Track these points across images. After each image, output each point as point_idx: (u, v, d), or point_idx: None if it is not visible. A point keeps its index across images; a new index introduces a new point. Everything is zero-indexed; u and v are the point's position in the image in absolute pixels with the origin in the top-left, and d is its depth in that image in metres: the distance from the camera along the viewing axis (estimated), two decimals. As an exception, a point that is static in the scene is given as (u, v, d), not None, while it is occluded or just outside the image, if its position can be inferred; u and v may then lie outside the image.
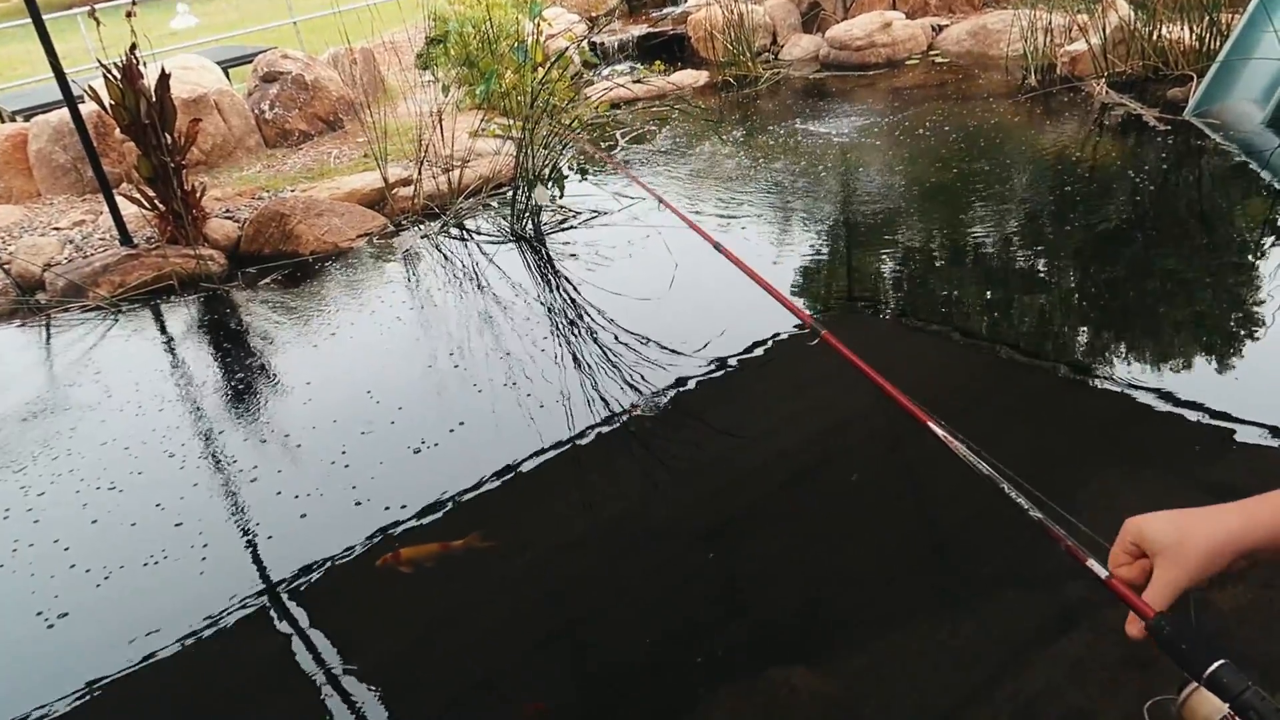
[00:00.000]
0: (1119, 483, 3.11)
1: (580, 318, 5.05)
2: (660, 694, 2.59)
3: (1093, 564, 1.04)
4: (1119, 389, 3.64)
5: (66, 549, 3.64)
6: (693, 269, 5.24)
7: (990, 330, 4.39)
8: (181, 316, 5.84)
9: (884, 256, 5.33)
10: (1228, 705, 0.90)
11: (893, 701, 2.41)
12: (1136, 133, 6.74)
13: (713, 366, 4.23)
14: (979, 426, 1.61)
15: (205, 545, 3.53)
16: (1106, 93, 7.51)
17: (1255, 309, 4.21)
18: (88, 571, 3.48)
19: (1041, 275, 4.88)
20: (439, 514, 3.50)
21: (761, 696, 2.47)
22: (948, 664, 2.49)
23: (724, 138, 8.09)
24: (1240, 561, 0.99)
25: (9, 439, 4.58)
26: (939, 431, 1.23)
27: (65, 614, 3.27)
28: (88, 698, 2.91)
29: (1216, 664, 0.92)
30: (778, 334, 4.46)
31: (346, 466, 3.88)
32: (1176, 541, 0.99)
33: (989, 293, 4.76)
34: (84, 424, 4.62)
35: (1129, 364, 3.88)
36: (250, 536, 3.58)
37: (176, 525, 3.68)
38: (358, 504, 3.62)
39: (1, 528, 3.85)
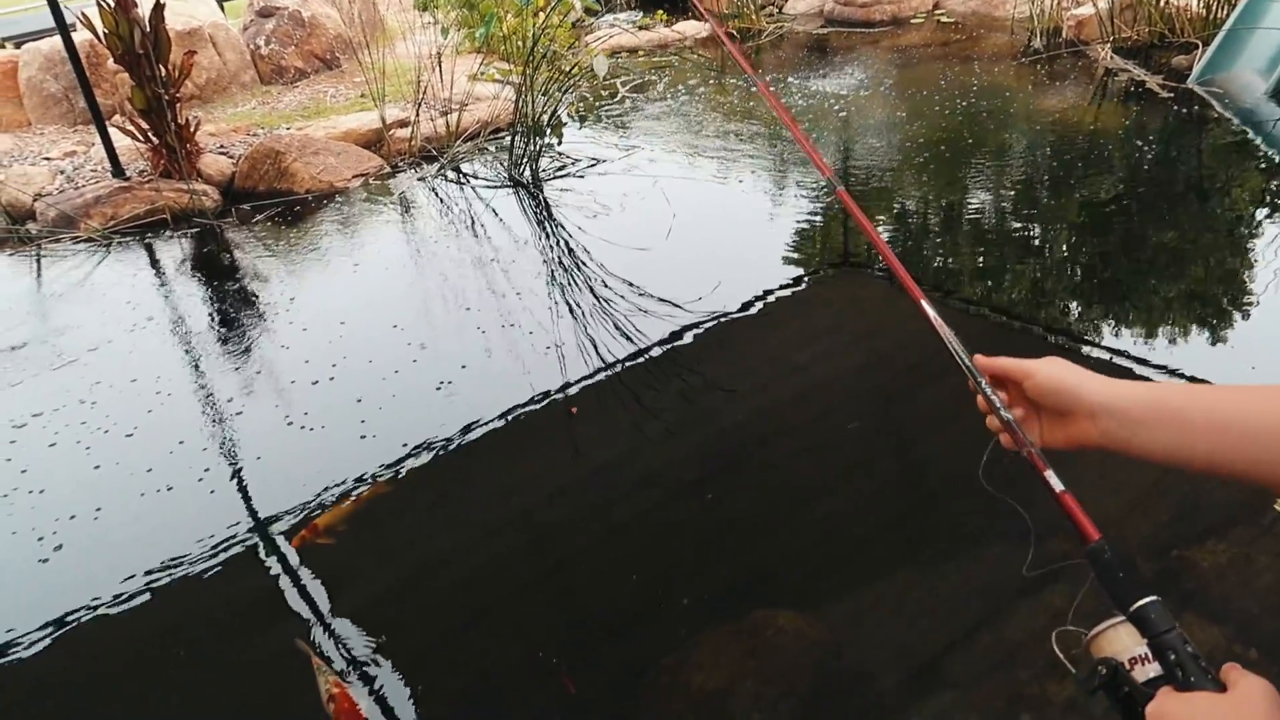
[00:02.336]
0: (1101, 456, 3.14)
1: (576, 266, 5.04)
2: (646, 634, 2.64)
3: (1050, 476, 1.05)
4: (1106, 356, 3.68)
5: (59, 481, 3.65)
6: (690, 220, 5.23)
7: (982, 296, 4.41)
8: (174, 251, 5.80)
9: (878, 220, 5.32)
10: (1146, 642, 0.88)
11: (877, 646, 2.46)
12: (1139, 100, 6.72)
13: (707, 319, 4.24)
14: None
15: (200, 480, 3.54)
16: (1111, 58, 7.47)
17: (1245, 280, 4.24)
18: (79, 504, 3.49)
19: (1033, 240, 4.89)
20: (430, 456, 3.52)
21: (747, 637, 2.52)
22: (931, 612, 2.54)
23: (723, 86, 8.02)
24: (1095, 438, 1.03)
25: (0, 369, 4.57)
26: (929, 311, 1.24)
27: (59, 547, 3.29)
28: (77, 629, 2.94)
29: (1148, 599, 0.90)
30: (773, 288, 4.47)
31: (323, 408, 3.90)
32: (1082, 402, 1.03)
33: (980, 258, 4.77)
34: (76, 355, 4.61)
35: (1117, 332, 3.91)
36: (239, 470, 3.59)
37: (169, 456, 3.69)
38: (362, 438, 3.64)
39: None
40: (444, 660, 2.68)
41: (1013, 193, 5.47)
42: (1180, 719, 0.83)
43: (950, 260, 4.76)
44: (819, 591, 2.68)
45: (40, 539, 3.30)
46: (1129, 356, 3.64)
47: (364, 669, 2.64)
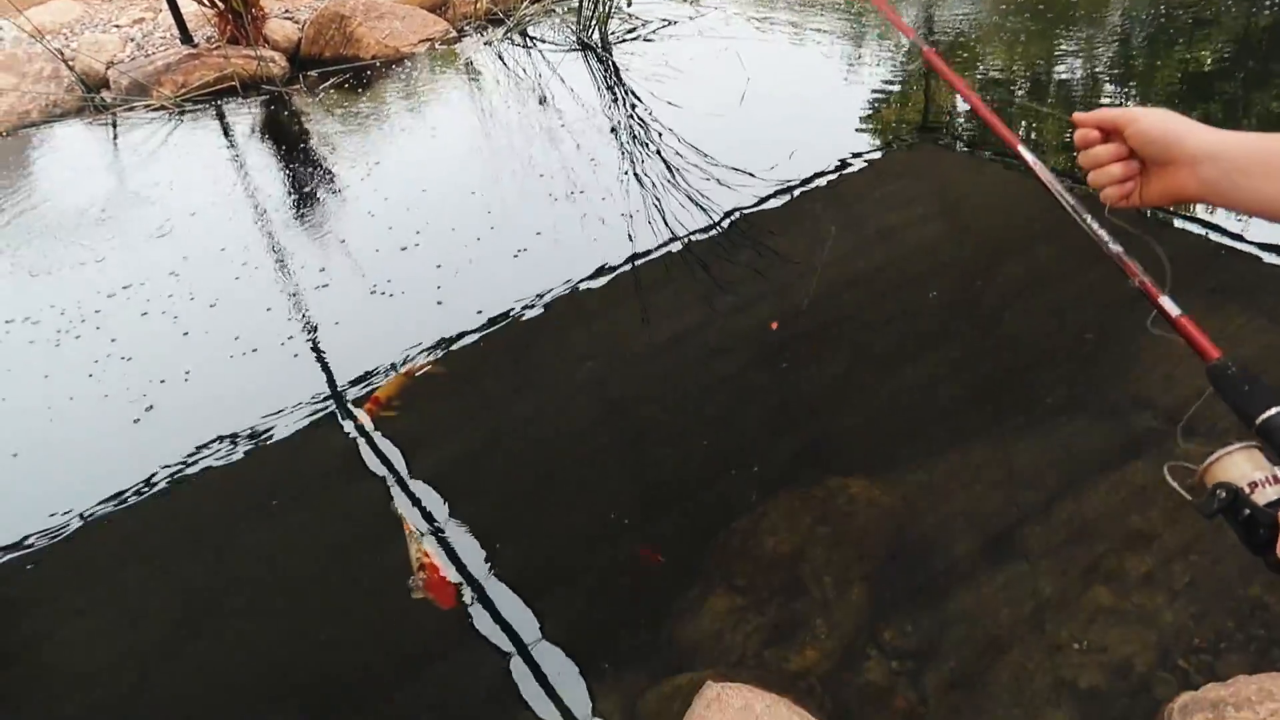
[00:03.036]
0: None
1: (646, 132, 4.91)
2: (717, 500, 2.66)
3: (1165, 301, 0.99)
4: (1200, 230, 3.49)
5: (146, 345, 3.77)
6: (764, 86, 5.03)
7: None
8: (246, 119, 5.80)
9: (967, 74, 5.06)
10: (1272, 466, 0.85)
11: (950, 516, 2.44)
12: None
13: (780, 188, 4.13)
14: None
15: (283, 344, 3.63)
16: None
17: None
18: (166, 367, 3.61)
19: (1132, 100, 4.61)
20: (504, 324, 3.53)
21: (818, 503, 2.52)
22: (1006, 484, 2.51)
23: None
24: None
25: (83, 235, 4.67)
26: (1027, 156, 1.17)
27: (150, 407, 3.41)
28: (168, 487, 3.07)
29: (1277, 409, 0.86)
30: (847, 159, 4.31)
31: (404, 276, 3.92)
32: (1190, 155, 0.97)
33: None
34: (160, 226, 4.69)
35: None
36: (322, 337, 3.66)
37: (255, 324, 3.78)
38: (438, 304, 3.67)
39: (79, 326, 3.99)
40: (517, 523, 2.75)
41: (1109, 54, 5.13)
42: None
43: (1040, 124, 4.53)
44: (893, 461, 2.65)
45: (131, 401, 3.44)
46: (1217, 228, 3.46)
47: (440, 530, 2.72)
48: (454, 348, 3.45)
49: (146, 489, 3.05)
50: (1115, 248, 1.06)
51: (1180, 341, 0.99)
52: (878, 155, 4.37)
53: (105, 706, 2.43)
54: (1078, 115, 1.09)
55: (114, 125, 5.92)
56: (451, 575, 2.51)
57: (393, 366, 3.39)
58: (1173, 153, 0.99)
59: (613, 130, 4.99)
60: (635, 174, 4.48)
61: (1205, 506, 0.90)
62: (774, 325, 3.29)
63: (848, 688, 2.09)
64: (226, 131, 5.72)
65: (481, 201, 4.43)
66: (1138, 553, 2.24)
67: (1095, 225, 1.08)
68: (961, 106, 4.83)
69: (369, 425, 3.15)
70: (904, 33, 1.55)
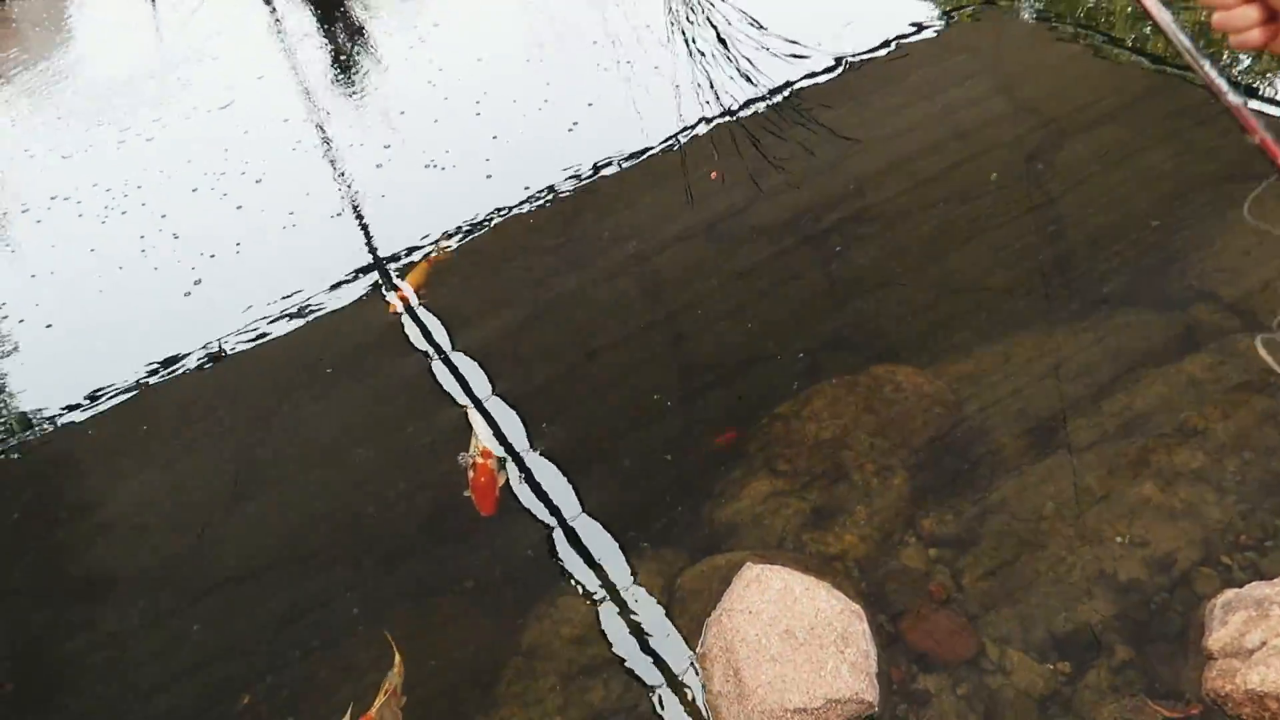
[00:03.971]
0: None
1: (695, 1, 4.71)
2: (759, 383, 2.65)
3: None
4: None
5: (200, 221, 3.78)
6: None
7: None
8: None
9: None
10: None
11: (996, 404, 2.41)
12: None
13: (833, 62, 3.95)
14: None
15: (336, 217, 3.62)
16: None
17: None
18: (220, 243, 3.62)
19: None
20: (551, 198, 3.48)
21: (864, 390, 2.50)
22: (1056, 374, 2.47)
23: None
24: None
25: (124, 90, 4.63)
26: None
27: (199, 280, 3.44)
28: (218, 356, 3.12)
29: None
30: (906, 31, 4.10)
31: (460, 149, 3.86)
32: None
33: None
34: (211, 99, 4.63)
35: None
36: (374, 210, 3.65)
37: (306, 199, 3.76)
38: (488, 178, 3.63)
39: (122, 200, 3.99)
40: (559, 400, 2.77)
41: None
42: None
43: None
44: (941, 348, 2.61)
45: (182, 274, 3.47)
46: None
47: (483, 402, 2.75)
48: (498, 222, 3.41)
49: (201, 356, 3.11)
50: (1235, 99, 0.97)
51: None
52: (939, 26, 4.15)
53: (165, 559, 2.54)
54: None
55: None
56: (498, 484, 2.47)
57: (443, 239, 3.38)
58: None
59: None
60: (684, 43, 4.32)
61: None
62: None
63: (885, 572, 2.11)
64: (266, -4, 5.58)
65: (542, 70, 4.32)
66: (1188, 447, 2.20)
67: (1214, 73, 0.99)
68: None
69: (414, 300, 3.16)
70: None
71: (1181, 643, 1.88)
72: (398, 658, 2.12)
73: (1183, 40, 1.01)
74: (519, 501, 2.44)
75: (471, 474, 2.49)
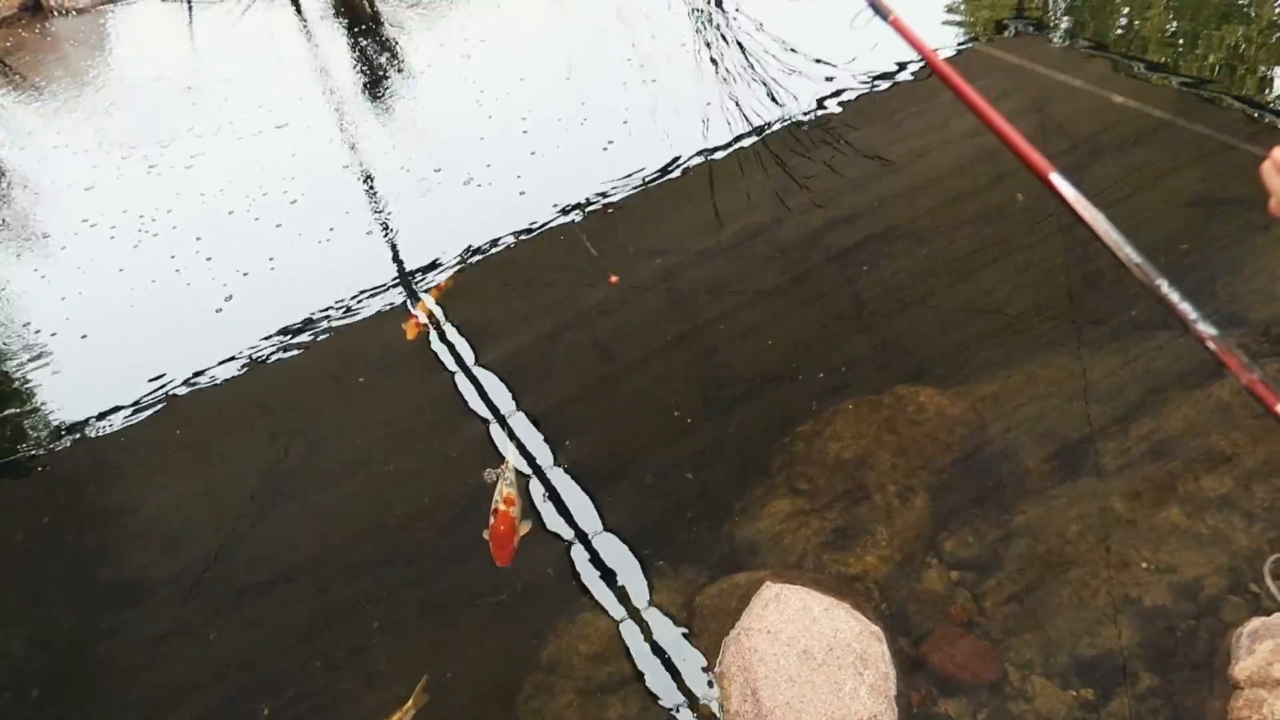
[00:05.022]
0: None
1: (721, 18, 4.73)
2: (781, 401, 2.64)
3: None
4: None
5: (226, 233, 3.84)
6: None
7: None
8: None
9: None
10: None
11: (1019, 426, 2.39)
12: None
13: (862, 81, 3.96)
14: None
15: (369, 233, 3.67)
16: None
17: None
18: (253, 260, 3.69)
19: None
20: (578, 215, 3.51)
21: (887, 410, 2.49)
22: (1082, 397, 2.44)
23: None
24: None
25: (162, 113, 4.72)
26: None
27: (230, 297, 3.49)
28: (249, 368, 3.17)
29: None
30: (936, 49, 4.10)
31: (500, 165, 3.89)
32: None
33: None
34: (251, 119, 4.71)
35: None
36: (408, 227, 3.70)
37: (345, 217, 3.82)
38: (521, 194, 3.66)
39: (159, 214, 4.07)
40: (582, 415, 2.78)
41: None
42: None
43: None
44: (966, 369, 2.60)
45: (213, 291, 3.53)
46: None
47: (506, 416, 2.77)
48: (528, 238, 3.45)
49: (234, 366, 3.16)
50: (1208, 329, 0.99)
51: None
52: (967, 48, 4.14)
53: (190, 566, 2.58)
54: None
55: (190, 6, 5.90)
56: (518, 534, 2.37)
57: (471, 256, 3.42)
58: None
59: (688, 13, 4.82)
60: (711, 60, 4.35)
61: None
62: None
63: (906, 594, 2.10)
64: (299, 9, 5.67)
65: (578, 89, 4.38)
66: (1216, 473, 2.17)
67: (1175, 296, 1.00)
68: (1061, -6, 4.55)
69: (440, 315, 3.19)
70: None
71: (1207, 671, 1.85)
72: (417, 693, 2.10)
73: (1133, 257, 1.00)
74: (540, 515, 2.45)
75: (493, 520, 2.40)
